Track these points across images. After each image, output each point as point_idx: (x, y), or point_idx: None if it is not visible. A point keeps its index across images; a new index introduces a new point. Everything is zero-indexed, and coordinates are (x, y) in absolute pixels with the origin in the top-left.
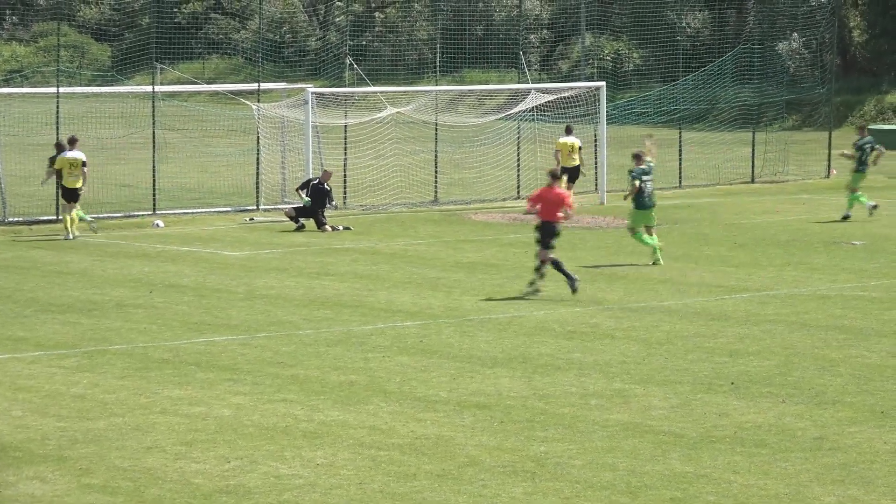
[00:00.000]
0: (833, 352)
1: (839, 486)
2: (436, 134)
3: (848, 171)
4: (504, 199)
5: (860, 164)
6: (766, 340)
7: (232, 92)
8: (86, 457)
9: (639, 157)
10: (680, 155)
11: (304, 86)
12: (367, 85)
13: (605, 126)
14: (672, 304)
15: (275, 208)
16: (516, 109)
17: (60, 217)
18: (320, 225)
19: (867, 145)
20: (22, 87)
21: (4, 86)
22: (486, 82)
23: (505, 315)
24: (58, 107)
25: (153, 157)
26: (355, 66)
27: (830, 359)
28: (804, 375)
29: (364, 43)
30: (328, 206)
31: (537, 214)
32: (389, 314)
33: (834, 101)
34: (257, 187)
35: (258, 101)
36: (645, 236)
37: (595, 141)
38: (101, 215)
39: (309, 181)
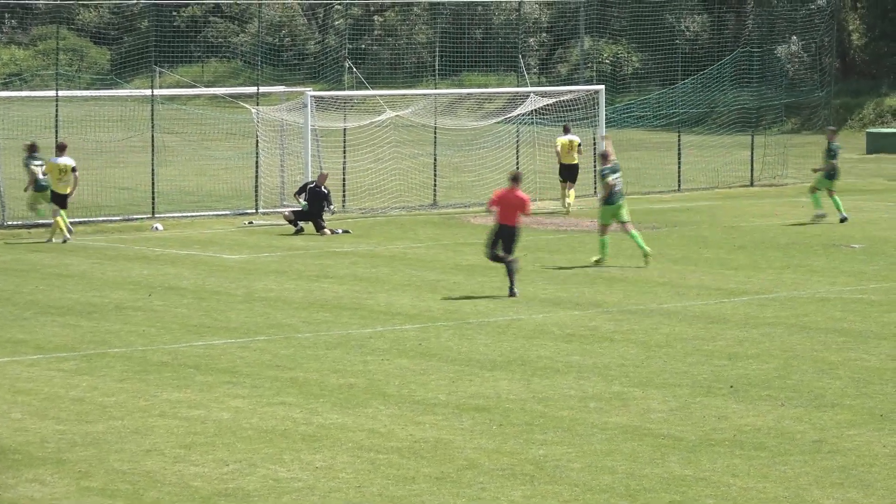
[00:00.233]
0: (832, 355)
1: (838, 489)
2: (435, 137)
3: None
4: None
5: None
6: (765, 343)
7: (231, 95)
8: (85, 459)
9: (605, 157)
10: (679, 158)
11: (303, 89)
12: (367, 88)
13: (604, 129)
14: (671, 307)
15: (274, 211)
16: (515, 113)
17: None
18: (319, 228)
19: (838, 149)
20: (21, 90)
21: (3, 89)
22: (486, 86)
23: (504, 318)
24: (57, 110)
25: (152, 160)
26: (354, 69)
27: (830, 362)
28: (803, 378)
29: (363, 46)
30: (326, 210)
31: (496, 216)
32: (388, 317)
33: (833, 104)
34: (256, 191)
35: (257, 105)
36: (604, 237)
37: (594, 144)
38: (100, 219)
39: (306, 185)
